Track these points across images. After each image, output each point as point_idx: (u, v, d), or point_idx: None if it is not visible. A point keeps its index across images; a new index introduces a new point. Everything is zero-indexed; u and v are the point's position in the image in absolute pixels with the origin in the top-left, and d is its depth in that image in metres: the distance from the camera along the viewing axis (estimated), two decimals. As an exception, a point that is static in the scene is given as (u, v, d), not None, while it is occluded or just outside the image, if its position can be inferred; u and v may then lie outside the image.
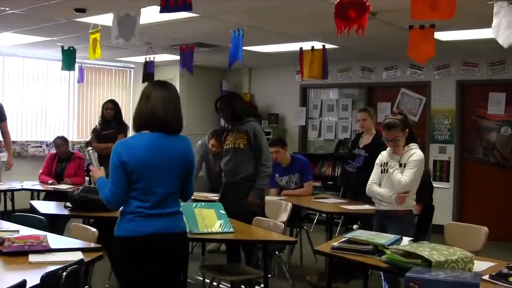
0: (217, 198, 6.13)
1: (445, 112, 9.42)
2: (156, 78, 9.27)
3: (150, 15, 6.03)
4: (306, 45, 7.49)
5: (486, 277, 3.23)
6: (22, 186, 7.75)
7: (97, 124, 8.48)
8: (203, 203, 4.99)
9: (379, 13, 5.84)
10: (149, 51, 8.60)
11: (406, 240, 4.07)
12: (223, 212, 4.81)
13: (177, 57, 8.11)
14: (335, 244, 4.02)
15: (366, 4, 4.36)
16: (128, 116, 9.48)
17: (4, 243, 3.64)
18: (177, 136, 3.58)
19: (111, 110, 8.26)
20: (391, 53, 8.97)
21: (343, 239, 4.07)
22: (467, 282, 2.89)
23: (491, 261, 3.74)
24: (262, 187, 5.76)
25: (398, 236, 4.08)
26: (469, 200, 9.33)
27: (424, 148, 5.34)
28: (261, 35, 7.40)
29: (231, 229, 4.69)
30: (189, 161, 3.61)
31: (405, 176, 4.86)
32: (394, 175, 4.89)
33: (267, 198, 6.39)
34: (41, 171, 8.09)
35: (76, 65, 8.89)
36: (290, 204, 5.97)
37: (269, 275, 5.22)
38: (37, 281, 2.92)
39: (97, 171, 3.71)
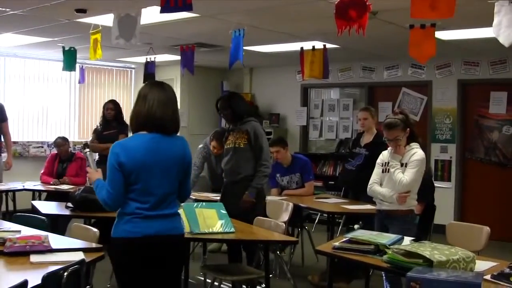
0: (218, 198, 6.13)
1: (446, 111, 9.41)
2: (157, 78, 9.27)
3: (151, 15, 6.03)
4: (307, 45, 7.48)
5: (487, 277, 3.22)
6: (23, 186, 7.75)
7: (98, 125, 8.49)
8: (204, 203, 4.99)
9: (380, 12, 5.84)
10: (150, 51, 8.60)
11: (407, 240, 4.06)
12: (224, 212, 4.81)
13: (178, 57, 8.11)
14: (337, 244, 4.02)
15: (367, 3, 4.36)
16: (128, 117, 9.46)
17: (5, 243, 3.64)
18: (174, 137, 3.58)
19: (112, 111, 8.27)
20: (392, 52, 8.97)
21: (344, 239, 4.07)
22: (468, 282, 2.88)
23: (493, 260, 3.73)
24: (259, 186, 5.75)
25: (400, 236, 4.07)
26: (470, 200, 9.32)
27: (425, 148, 5.33)
28: (261, 35, 7.40)
29: (232, 229, 4.69)
30: (187, 162, 3.61)
31: (406, 176, 4.86)
32: (395, 175, 4.88)
33: (268, 198, 6.39)
34: (42, 171, 8.10)
35: (77, 66, 8.89)
36: (291, 204, 5.97)
37: (271, 275, 5.23)
38: (39, 281, 2.92)
39: (94, 173, 3.69)
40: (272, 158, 6.71)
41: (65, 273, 3.09)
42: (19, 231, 4.09)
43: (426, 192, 5.69)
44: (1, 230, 4.12)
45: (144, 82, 8.58)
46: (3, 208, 8.02)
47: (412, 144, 5.01)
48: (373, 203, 5.37)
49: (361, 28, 4.41)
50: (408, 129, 4.98)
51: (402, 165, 4.94)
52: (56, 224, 5.62)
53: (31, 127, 10.58)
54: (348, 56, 9.63)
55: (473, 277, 3.00)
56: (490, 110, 9.04)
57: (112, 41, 6.02)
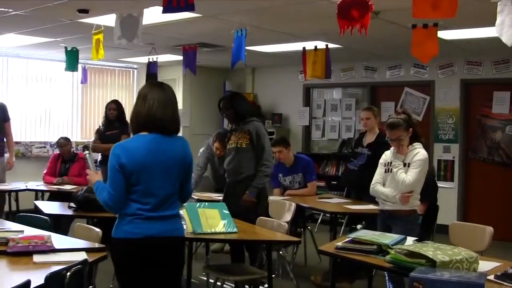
0: (221, 198, 6.13)
1: (449, 111, 9.40)
2: (159, 79, 9.30)
3: (153, 15, 6.04)
4: (309, 45, 7.49)
5: (491, 277, 3.21)
6: (26, 186, 7.77)
7: (101, 125, 8.50)
8: (206, 203, 4.99)
9: (382, 12, 5.84)
10: (152, 52, 8.60)
11: (410, 240, 4.05)
12: (226, 212, 4.80)
13: (180, 58, 8.12)
14: (339, 244, 4.01)
15: (369, 3, 4.35)
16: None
17: (8, 243, 3.64)
18: (175, 137, 3.58)
19: (114, 111, 8.27)
20: (394, 52, 8.97)
21: (347, 239, 4.07)
22: (471, 282, 2.88)
23: (496, 261, 3.72)
24: (259, 186, 5.74)
25: (402, 236, 4.06)
26: (473, 200, 9.31)
27: (428, 148, 5.32)
28: (264, 35, 7.40)
29: (235, 229, 4.68)
30: (188, 162, 3.60)
31: (409, 176, 4.85)
32: (398, 175, 4.87)
33: (271, 198, 6.39)
34: (45, 171, 8.12)
35: (80, 66, 8.91)
36: (294, 204, 5.97)
37: (273, 275, 5.22)
38: (41, 281, 2.92)
39: (94, 175, 3.69)
40: (274, 158, 6.72)
41: (68, 273, 3.09)
42: (22, 231, 4.09)
43: (429, 192, 5.69)
44: (4, 230, 4.13)
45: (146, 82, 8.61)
46: (6, 208, 8.04)
47: (415, 144, 5.00)
48: (376, 203, 5.36)
49: (363, 28, 4.40)
50: (411, 129, 4.97)
51: (405, 165, 4.93)
52: (59, 224, 5.63)
53: (34, 127, 10.60)
54: (350, 56, 9.62)
55: (477, 277, 3.00)
56: (493, 110, 9.03)
57: (114, 41, 6.02)
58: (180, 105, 10.99)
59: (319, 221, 9.32)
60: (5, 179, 8.09)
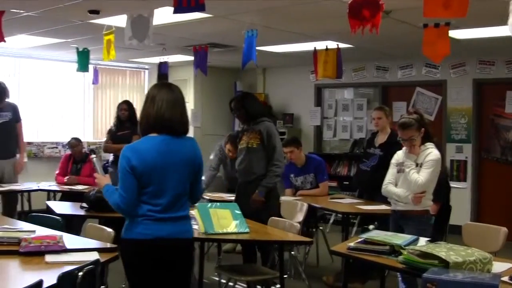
0: (232, 198, 6.13)
1: (461, 111, 9.35)
2: (170, 79, 9.32)
3: (164, 15, 6.04)
4: (320, 45, 7.47)
5: (505, 278, 3.19)
6: (38, 186, 7.79)
7: (112, 125, 8.51)
8: (218, 203, 4.99)
9: (393, 11, 5.81)
10: (163, 52, 8.60)
11: (423, 240, 4.04)
12: (238, 212, 4.80)
13: (191, 58, 8.12)
14: (352, 244, 4.00)
15: (380, 3, 4.34)
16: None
17: (20, 243, 3.65)
18: (184, 138, 3.57)
19: (126, 111, 8.29)
20: (405, 52, 8.93)
21: (359, 240, 4.06)
22: (485, 283, 2.86)
23: (510, 262, 3.69)
24: (269, 186, 5.73)
25: (415, 237, 4.05)
26: (487, 200, 9.25)
27: (440, 148, 5.29)
28: (274, 35, 7.39)
29: (247, 230, 4.68)
30: (198, 163, 3.60)
31: (421, 176, 4.83)
32: (411, 175, 4.85)
33: (283, 198, 6.38)
34: (57, 172, 8.14)
35: (91, 67, 8.93)
36: (305, 204, 5.96)
37: (285, 276, 5.21)
38: (54, 281, 2.92)
39: (103, 179, 3.68)
40: (286, 158, 6.71)
41: (80, 273, 3.09)
42: (34, 231, 4.10)
43: (441, 192, 5.66)
44: (17, 230, 4.14)
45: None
46: (19, 208, 8.06)
47: (427, 144, 4.98)
48: (388, 203, 5.34)
49: (375, 28, 4.39)
50: (423, 129, 4.95)
51: (417, 165, 4.91)
52: (71, 224, 5.63)
53: (46, 128, 10.63)
54: (361, 56, 9.60)
55: (490, 278, 2.98)
56: (506, 110, 8.96)
57: (125, 42, 6.03)
58: (191, 106, 11.04)
59: (331, 221, 9.31)
60: (18, 179, 8.12)
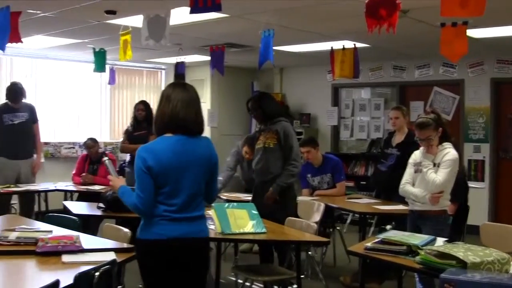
0: (249, 198, 6.13)
1: (479, 110, 9.28)
2: (187, 79, 9.34)
3: (180, 16, 6.05)
4: (337, 45, 7.45)
5: (523, 278, 3.16)
6: (55, 187, 7.83)
7: (129, 125, 8.54)
8: (235, 204, 5.00)
9: (410, 11, 5.79)
10: (180, 52, 8.61)
11: (440, 240, 4.01)
12: (255, 212, 4.79)
13: (208, 58, 8.13)
14: (369, 244, 3.99)
15: (397, 2, 4.32)
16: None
17: (38, 243, 3.68)
18: (199, 138, 3.56)
19: (143, 111, 8.31)
20: (423, 51, 8.88)
21: (376, 240, 4.03)
22: (504, 284, 2.83)
23: (529, 262, 3.66)
24: (284, 185, 5.70)
25: (432, 237, 4.03)
26: (504, 200, 9.18)
27: (458, 147, 5.26)
28: (291, 34, 7.38)
29: (264, 230, 4.67)
30: (213, 163, 3.59)
31: (439, 176, 4.80)
32: (428, 175, 4.82)
33: (300, 198, 6.36)
34: (74, 172, 8.17)
35: (107, 67, 8.96)
36: (322, 205, 5.93)
37: (302, 276, 5.20)
38: (70, 281, 2.94)
39: (117, 181, 3.67)
40: (303, 158, 6.69)
41: (97, 273, 3.11)
42: (51, 231, 4.13)
43: (459, 192, 5.61)
44: (34, 230, 4.17)
45: (174, 83, 8.63)
46: (36, 208, 8.11)
47: (444, 143, 4.95)
48: (406, 203, 5.32)
49: (392, 27, 4.37)
50: (441, 128, 4.92)
51: (434, 165, 4.88)
52: (88, 224, 5.66)
53: (63, 128, 10.69)
54: (378, 56, 9.56)
55: (509, 279, 2.95)
56: (525, 109, 8.91)
57: (141, 42, 6.03)
58: (208, 106, 11.06)
59: (348, 221, 9.28)
60: (35, 179, 8.17)
